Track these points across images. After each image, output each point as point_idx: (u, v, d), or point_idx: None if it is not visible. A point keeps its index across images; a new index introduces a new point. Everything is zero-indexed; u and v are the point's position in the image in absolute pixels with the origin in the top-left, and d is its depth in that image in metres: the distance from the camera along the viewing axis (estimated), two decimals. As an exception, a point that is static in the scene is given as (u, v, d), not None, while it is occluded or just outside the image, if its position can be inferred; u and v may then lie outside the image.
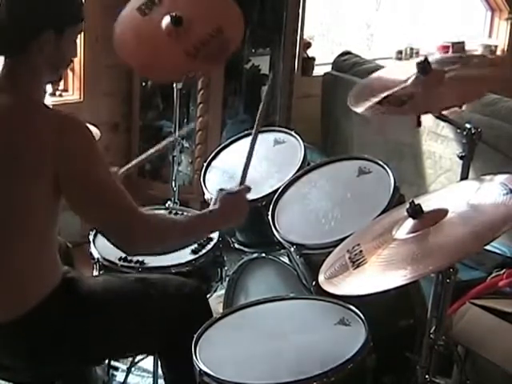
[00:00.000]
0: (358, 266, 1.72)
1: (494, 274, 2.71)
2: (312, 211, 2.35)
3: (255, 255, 2.62)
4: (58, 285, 1.98)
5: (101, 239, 2.45)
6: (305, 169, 2.50)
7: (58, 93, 3.78)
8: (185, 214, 2.66)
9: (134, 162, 2.69)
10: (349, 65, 4.23)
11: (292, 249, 2.27)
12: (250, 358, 1.95)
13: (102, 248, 2.43)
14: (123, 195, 1.94)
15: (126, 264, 2.36)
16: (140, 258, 2.39)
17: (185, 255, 2.41)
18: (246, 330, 2.08)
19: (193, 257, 2.41)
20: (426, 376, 1.96)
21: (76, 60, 3.76)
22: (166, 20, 2.54)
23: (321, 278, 1.81)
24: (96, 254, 2.42)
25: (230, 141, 2.78)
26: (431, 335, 1.94)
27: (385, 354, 1.94)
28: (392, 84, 2.13)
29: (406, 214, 1.74)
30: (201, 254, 2.43)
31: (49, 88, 3.55)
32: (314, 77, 4.60)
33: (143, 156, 2.73)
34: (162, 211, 2.72)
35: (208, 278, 2.46)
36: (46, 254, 1.97)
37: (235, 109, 3.99)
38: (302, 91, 4.43)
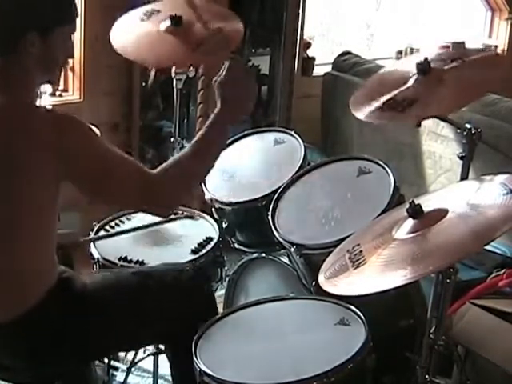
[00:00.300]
0: (357, 266, 1.72)
1: (494, 274, 2.71)
2: (312, 211, 2.35)
3: (255, 255, 2.62)
4: (54, 284, 1.98)
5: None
6: (305, 169, 2.50)
7: (57, 93, 3.78)
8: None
9: (100, 235, 2.57)
10: (349, 65, 4.23)
11: (292, 249, 2.27)
12: (249, 358, 1.95)
13: (102, 248, 2.43)
14: (139, 171, 1.95)
15: (125, 264, 2.37)
16: (140, 258, 2.39)
17: (185, 255, 2.41)
18: (246, 330, 2.08)
19: (193, 257, 2.41)
20: (426, 376, 1.96)
21: (76, 60, 3.76)
22: (166, 23, 2.53)
23: (321, 278, 1.80)
24: (96, 254, 2.42)
25: (230, 141, 2.78)
26: (431, 335, 1.94)
27: (385, 354, 1.94)
28: (392, 86, 2.12)
29: (405, 213, 1.74)
30: (201, 254, 2.43)
31: (49, 88, 3.54)
32: (314, 77, 4.60)
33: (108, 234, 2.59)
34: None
35: (208, 278, 2.46)
36: (44, 253, 1.97)
37: (235, 109, 3.99)
38: (302, 91, 4.43)
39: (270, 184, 2.49)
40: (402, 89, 2.10)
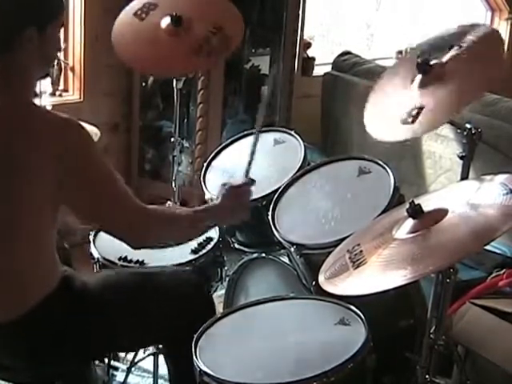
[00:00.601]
0: (358, 266, 1.72)
1: (494, 274, 2.71)
2: (312, 211, 2.35)
3: (255, 255, 2.62)
4: (57, 284, 1.98)
5: (101, 239, 2.45)
6: (305, 169, 2.50)
7: (58, 93, 3.78)
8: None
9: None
10: (349, 65, 4.23)
11: (292, 249, 2.27)
12: (249, 358, 1.95)
13: (102, 248, 2.43)
14: (128, 194, 1.95)
15: (125, 264, 2.37)
16: (140, 258, 2.39)
17: (185, 255, 2.41)
18: (246, 330, 2.08)
19: (193, 257, 2.41)
20: (426, 376, 1.96)
21: (76, 60, 3.77)
22: (166, 21, 2.53)
23: (321, 278, 1.81)
24: (96, 254, 2.42)
25: (230, 141, 2.78)
26: (431, 335, 1.94)
27: (385, 354, 1.94)
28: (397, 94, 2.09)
29: (405, 213, 1.74)
30: (201, 253, 2.43)
31: (49, 88, 3.55)
32: (313, 77, 4.60)
33: None
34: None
35: (208, 278, 2.46)
36: (45, 253, 1.97)
37: (235, 109, 3.99)
38: (302, 91, 4.43)
39: (270, 184, 2.49)
40: (407, 96, 2.07)
